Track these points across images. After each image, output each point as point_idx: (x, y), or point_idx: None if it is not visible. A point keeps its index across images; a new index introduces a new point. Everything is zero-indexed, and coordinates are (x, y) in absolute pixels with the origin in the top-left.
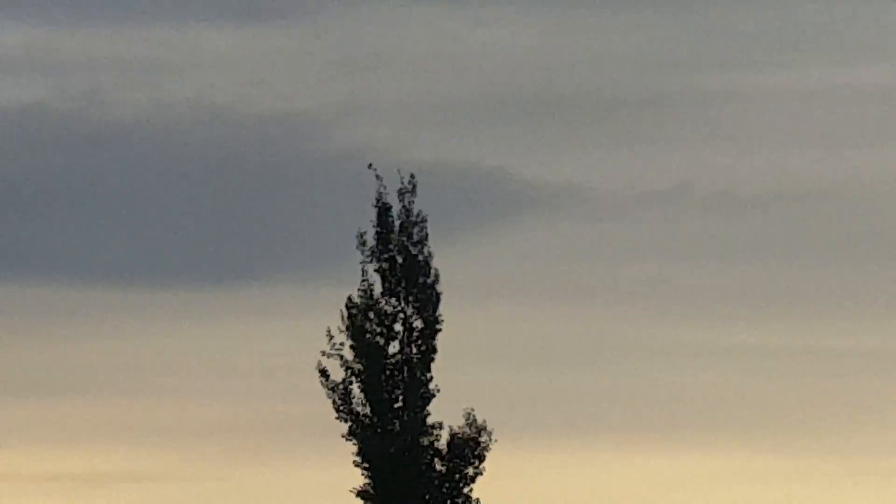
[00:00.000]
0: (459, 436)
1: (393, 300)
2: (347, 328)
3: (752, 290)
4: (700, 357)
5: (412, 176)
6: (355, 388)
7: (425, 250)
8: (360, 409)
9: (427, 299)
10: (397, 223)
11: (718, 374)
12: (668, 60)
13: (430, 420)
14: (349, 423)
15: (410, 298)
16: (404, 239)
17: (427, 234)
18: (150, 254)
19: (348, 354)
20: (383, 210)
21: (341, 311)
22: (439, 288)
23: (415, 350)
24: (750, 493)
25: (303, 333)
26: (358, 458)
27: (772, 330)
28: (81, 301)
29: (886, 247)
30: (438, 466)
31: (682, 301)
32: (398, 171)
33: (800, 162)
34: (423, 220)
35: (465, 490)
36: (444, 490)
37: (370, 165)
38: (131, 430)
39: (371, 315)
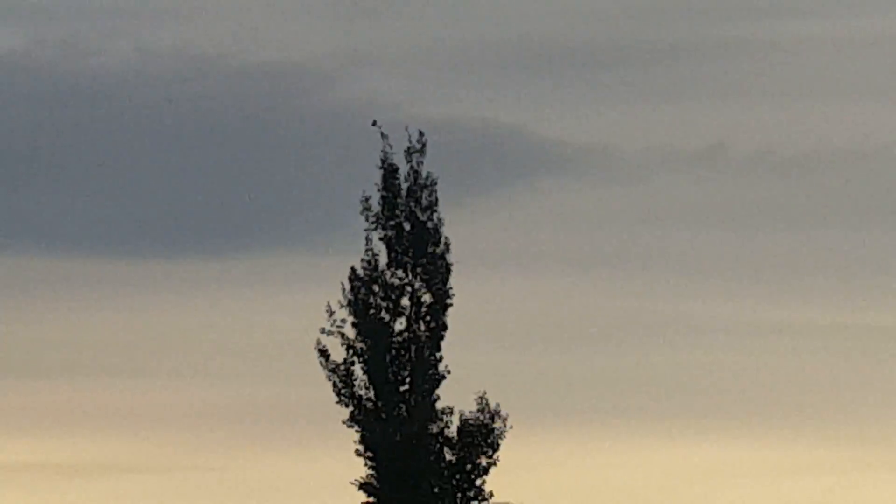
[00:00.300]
0: (471, 422)
1: (399, 272)
2: (349, 303)
3: (795, 261)
4: (738, 336)
5: (421, 134)
6: (358, 370)
7: (435, 216)
8: (362, 392)
9: (437, 271)
10: (404, 186)
11: (757, 355)
12: (702, 7)
13: (439, 405)
14: (351, 409)
15: (419, 270)
16: (412, 204)
17: (437, 199)
18: (128, 219)
19: (350, 332)
20: (389, 172)
21: (343, 283)
22: (450, 258)
23: (423, 327)
24: (786, 486)
25: (300, 309)
26: (360, 447)
27: (818, 306)
28: (55, 272)
29: None
30: (448, 456)
31: (717, 274)
32: (406, 128)
33: (847, 119)
34: (433, 184)
35: (478, 482)
36: (455, 482)
37: (374, 122)
38: (111, 416)
39: (375, 288)
